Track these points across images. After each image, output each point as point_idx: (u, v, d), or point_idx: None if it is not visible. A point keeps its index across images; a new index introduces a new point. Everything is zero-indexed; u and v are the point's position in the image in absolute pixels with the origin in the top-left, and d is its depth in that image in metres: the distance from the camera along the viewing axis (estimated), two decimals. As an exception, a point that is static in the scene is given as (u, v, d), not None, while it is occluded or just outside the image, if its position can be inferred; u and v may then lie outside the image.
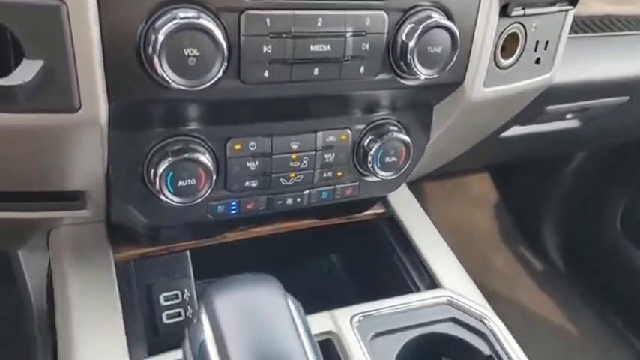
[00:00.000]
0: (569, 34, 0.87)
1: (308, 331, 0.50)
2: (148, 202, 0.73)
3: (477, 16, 0.72)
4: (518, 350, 0.83)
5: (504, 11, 0.74)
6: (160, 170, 0.68)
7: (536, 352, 0.90)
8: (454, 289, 0.90)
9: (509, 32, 0.78)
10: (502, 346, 0.83)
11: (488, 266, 1.96)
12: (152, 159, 0.70)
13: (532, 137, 1.18)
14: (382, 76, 0.71)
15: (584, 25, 1.06)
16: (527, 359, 0.83)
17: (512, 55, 0.80)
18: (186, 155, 0.69)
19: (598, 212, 1.86)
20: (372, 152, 0.80)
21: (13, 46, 0.54)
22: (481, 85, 0.79)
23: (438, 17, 0.67)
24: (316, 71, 0.66)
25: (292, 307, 0.51)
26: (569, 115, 1.15)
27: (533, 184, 2.02)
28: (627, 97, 1.15)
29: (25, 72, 0.53)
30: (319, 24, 0.64)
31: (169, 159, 0.68)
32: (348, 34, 0.65)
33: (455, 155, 1.08)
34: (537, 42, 0.82)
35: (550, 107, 1.05)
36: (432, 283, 0.93)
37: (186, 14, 0.57)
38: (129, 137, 0.68)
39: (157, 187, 0.69)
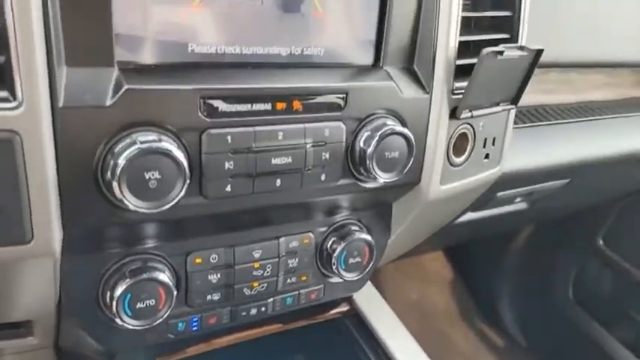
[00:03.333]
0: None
1: None
2: (103, 327, 0.68)
3: (428, 120, 0.75)
4: None
5: (453, 114, 0.77)
6: (117, 293, 0.64)
7: None
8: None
9: (459, 132, 0.81)
10: None
11: (448, 345, 1.94)
12: (108, 281, 0.66)
13: (484, 220, 1.21)
14: (343, 181, 0.71)
15: (523, 115, 1.13)
16: None
17: (463, 153, 0.83)
18: (145, 275, 0.66)
19: (550, 284, 1.91)
20: (335, 254, 0.80)
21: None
22: (437, 183, 0.81)
23: (392, 124, 0.69)
24: (278, 182, 0.66)
25: None
26: (517, 199, 1.20)
27: (486, 260, 2.05)
28: (568, 180, 1.21)
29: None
30: (280, 137, 0.64)
31: (127, 280, 0.65)
32: (308, 145, 0.66)
33: (412, 246, 1.09)
34: (485, 139, 0.86)
35: (500, 194, 1.09)
36: (403, 382, 0.90)
37: (146, 137, 0.55)
38: (83, 261, 0.64)
39: (114, 310, 0.65)
